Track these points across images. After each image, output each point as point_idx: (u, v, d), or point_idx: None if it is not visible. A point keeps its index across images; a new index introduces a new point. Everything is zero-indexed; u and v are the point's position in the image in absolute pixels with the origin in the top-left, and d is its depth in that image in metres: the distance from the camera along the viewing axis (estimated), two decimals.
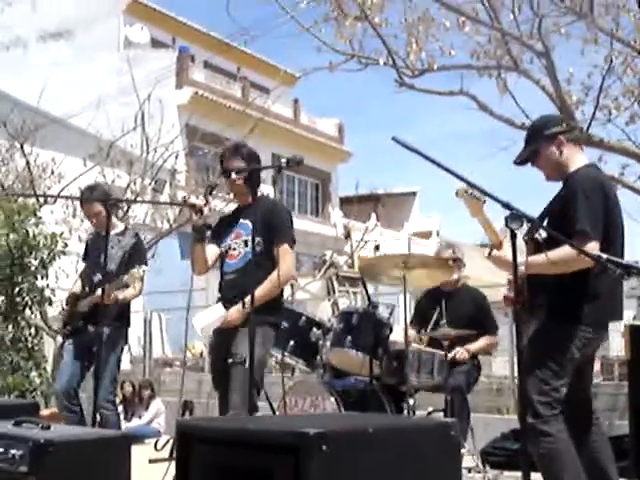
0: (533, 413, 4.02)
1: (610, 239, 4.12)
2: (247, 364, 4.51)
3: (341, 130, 34.59)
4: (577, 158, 4.35)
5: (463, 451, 5.96)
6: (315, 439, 2.10)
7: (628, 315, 12.55)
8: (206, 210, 5.02)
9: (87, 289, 6.33)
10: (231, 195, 5.42)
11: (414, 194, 37.00)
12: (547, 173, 4.44)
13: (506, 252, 4.04)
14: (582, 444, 4.16)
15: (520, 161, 4.56)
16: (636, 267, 3.81)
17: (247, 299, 4.63)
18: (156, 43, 28.80)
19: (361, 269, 6.42)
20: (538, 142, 4.37)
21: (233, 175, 5.03)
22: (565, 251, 3.93)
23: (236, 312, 4.86)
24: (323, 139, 32.76)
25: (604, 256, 3.75)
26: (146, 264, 6.26)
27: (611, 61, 9.10)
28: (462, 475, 5.52)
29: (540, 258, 4.10)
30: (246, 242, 4.98)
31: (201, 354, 14.82)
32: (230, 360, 4.78)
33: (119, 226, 6.45)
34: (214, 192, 5.31)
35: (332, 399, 5.94)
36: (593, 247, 3.98)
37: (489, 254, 4.27)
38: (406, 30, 9.61)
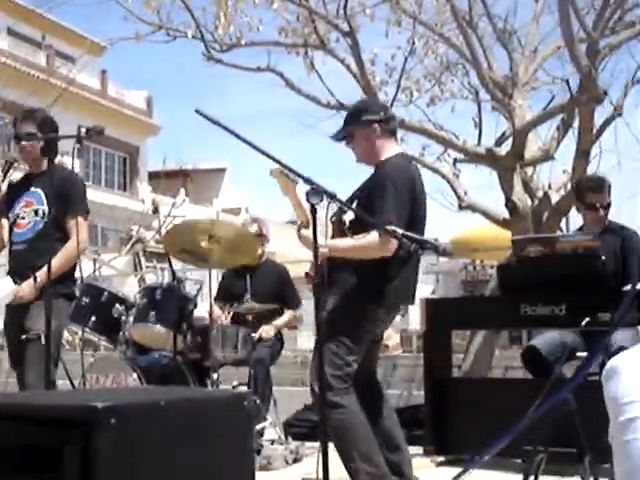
0: (325, 385, 4.12)
1: (414, 225, 4.22)
2: (43, 339, 4.44)
3: (150, 103, 34.08)
4: (389, 147, 4.43)
5: (266, 423, 6.04)
6: (104, 413, 2.07)
7: (427, 290, 13.04)
8: (3, 187, 4.89)
9: None
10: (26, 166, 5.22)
11: (223, 170, 36.98)
12: (358, 156, 4.52)
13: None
14: (373, 414, 4.30)
15: (336, 138, 4.62)
16: (430, 242, 3.97)
17: (39, 273, 4.57)
18: None
19: (166, 240, 6.31)
20: (354, 125, 4.43)
21: (23, 142, 4.94)
22: (368, 240, 4.04)
23: (28, 287, 4.73)
24: (131, 112, 32.18)
25: (399, 231, 3.88)
26: None
27: (413, 43, 9.37)
28: (263, 446, 5.63)
29: (342, 243, 4.19)
30: (36, 211, 4.85)
31: None
32: (24, 336, 4.65)
33: None
34: (13, 168, 5.13)
35: (135, 375, 5.87)
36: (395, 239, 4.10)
37: (298, 232, 4.29)
38: (215, 3, 9.54)
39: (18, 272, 4.85)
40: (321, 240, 4.07)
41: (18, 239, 5.00)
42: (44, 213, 4.83)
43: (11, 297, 4.78)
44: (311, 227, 3.72)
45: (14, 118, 5.14)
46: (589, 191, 5.65)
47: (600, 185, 5.65)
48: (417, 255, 4.13)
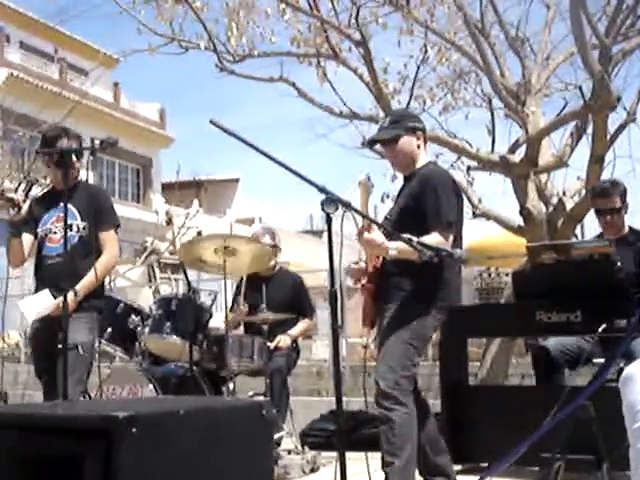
0: (395, 383, 4.19)
1: (459, 231, 4.39)
2: (80, 349, 4.71)
3: (162, 115, 34.17)
4: (423, 156, 4.57)
5: (283, 433, 6.04)
6: (125, 422, 2.08)
7: None
8: (25, 206, 4.98)
9: None
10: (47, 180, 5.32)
11: (237, 180, 37.06)
12: (398, 161, 4.60)
13: (377, 235, 4.14)
14: (419, 418, 4.36)
15: (374, 141, 4.78)
16: (445, 250, 4.00)
17: (78, 286, 4.74)
18: None
19: (181, 253, 6.35)
20: (401, 129, 4.50)
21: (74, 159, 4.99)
22: (436, 239, 4.12)
23: (70, 300, 4.79)
24: (144, 124, 32.25)
25: (415, 239, 3.91)
26: None
27: (425, 51, 9.37)
28: (280, 455, 5.63)
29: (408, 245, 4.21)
30: (71, 226, 4.91)
31: (17, 344, 14.33)
32: (60, 346, 4.72)
33: None
34: (33, 188, 5.20)
35: (151, 386, 5.89)
36: (452, 238, 4.25)
37: (359, 236, 4.23)
38: (227, 15, 9.58)
39: (52, 284, 4.91)
40: (385, 241, 4.13)
41: (52, 253, 5.07)
42: (79, 228, 4.98)
43: (52, 309, 4.85)
44: (380, 235, 3.99)
45: (55, 135, 5.11)
46: (596, 196, 5.69)
47: (605, 189, 5.64)
48: (460, 260, 4.25)
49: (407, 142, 4.49)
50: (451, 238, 4.22)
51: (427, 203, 4.27)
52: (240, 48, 9.53)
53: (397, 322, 4.30)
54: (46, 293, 4.96)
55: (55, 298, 4.89)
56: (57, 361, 4.72)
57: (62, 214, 4.95)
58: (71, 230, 4.93)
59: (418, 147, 4.52)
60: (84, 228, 5.03)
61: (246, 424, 2.49)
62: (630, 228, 5.62)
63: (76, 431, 2.19)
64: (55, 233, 5.07)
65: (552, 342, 5.44)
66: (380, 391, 4.21)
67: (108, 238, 5.12)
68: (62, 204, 4.98)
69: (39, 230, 5.15)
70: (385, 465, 4.19)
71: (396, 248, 4.14)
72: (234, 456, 2.40)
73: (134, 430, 2.11)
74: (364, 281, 4.50)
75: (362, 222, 4.16)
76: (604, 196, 5.58)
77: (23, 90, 23.57)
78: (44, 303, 4.93)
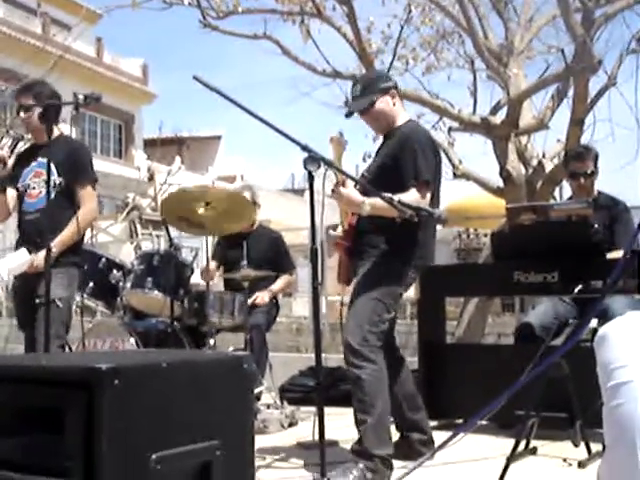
0: (362, 339, 4.20)
1: (436, 191, 4.39)
2: (59, 303, 4.74)
3: (145, 71, 33.92)
4: (402, 113, 4.56)
5: (262, 388, 6.12)
6: (107, 374, 2.11)
7: None
8: (10, 162, 4.99)
9: None
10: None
11: (219, 138, 36.92)
12: (380, 124, 4.57)
13: (352, 191, 4.16)
14: (395, 376, 4.45)
15: (352, 112, 4.67)
16: (425, 209, 4.03)
17: (54, 243, 4.69)
18: None
19: (163, 208, 6.34)
20: (374, 94, 4.48)
21: (22, 114, 5.08)
22: (413, 197, 4.12)
23: (43, 257, 4.81)
24: (126, 79, 32.04)
25: (395, 198, 3.93)
26: None
27: (409, 11, 9.35)
28: (259, 410, 5.70)
29: (382, 201, 4.22)
30: (47, 182, 4.92)
31: None
32: (38, 300, 4.75)
33: None
34: (19, 144, 5.20)
35: (132, 340, 5.94)
36: (429, 196, 4.25)
37: (333, 191, 4.20)
38: None
39: (30, 241, 4.95)
40: (359, 197, 4.14)
41: (30, 209, 5.10)
42: (55, 183, 4.94)
43: (26, 266, 4.89)
44: (355, 191, 3.95)
45: (17, 91, 5.21)
46: (571, 159, 5.78)
47: (580, 153, 5.75)
48: (440, 220, 4.27)
49: (382, 105, 4.48)
50: (428, 196, 4.23)
51: (405, 162, 4.27)
52: (224, 4, 9.48)
53: (368, 279, 4.32)
54: (23, 252, 4.98)
55: (31, 255, 4.92)
56: (36, 316, 4.77)
57: (40, 169, 4.98)
58: (48, 186, 4.94)
59: (394, 105, 4.51)
60: (60, 184, 5.01)
61: (227, 377, 2.53)
62: (599, 192, 5.71)
63: (59, 382, 2.22)
64: (34, 188, 5.09)
65: (532, 319, 5.51)
66: (348, 347, 4.22)
67: (86, 193, 5.11)
68: (40, 159, 5.00)
69: (19, 185, 5.16)
70: (358, 423, 4.23)
71: (369, 204, 4.12)
72: (215, 409, 2.44)
73: (117, 382, 2.14)
74: (339, 239, 4.53)
75: (337, 178, 4.18)
76: (579, 159, 5.68)
77: (5, 44, 23.36)
78: (19, 261, 4.96)
